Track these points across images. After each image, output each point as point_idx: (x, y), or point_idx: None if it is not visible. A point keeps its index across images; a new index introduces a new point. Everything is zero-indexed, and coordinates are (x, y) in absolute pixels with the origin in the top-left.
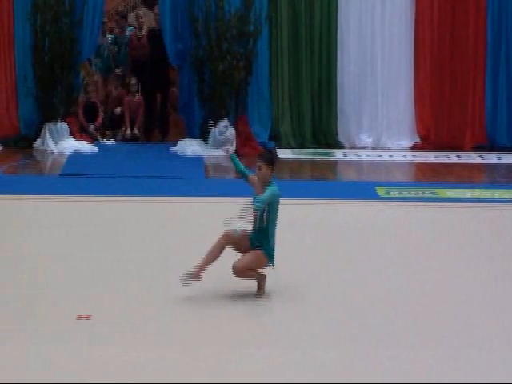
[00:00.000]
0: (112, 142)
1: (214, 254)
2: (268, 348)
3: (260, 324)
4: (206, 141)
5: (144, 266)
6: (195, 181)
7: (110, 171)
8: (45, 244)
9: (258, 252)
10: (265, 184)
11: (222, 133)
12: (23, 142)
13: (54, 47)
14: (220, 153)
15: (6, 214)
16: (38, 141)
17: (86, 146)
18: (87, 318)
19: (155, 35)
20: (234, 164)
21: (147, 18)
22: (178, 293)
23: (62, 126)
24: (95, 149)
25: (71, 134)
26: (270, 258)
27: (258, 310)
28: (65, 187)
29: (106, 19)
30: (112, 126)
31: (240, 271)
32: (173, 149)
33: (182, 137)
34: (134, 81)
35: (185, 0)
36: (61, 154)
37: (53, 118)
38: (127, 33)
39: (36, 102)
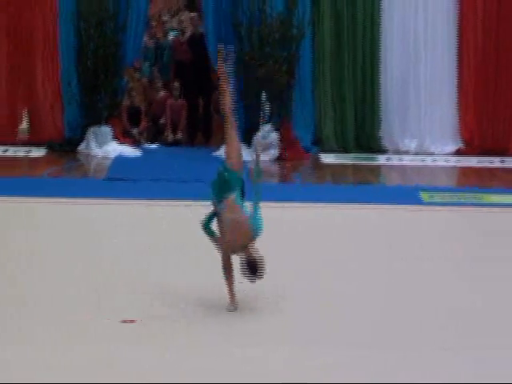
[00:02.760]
0: (155, 145)
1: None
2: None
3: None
4: (249, 145)
5: (193, 268)
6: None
7: (153, 175)
8: (94, 247)
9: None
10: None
11: (265, 137)
12: (67, 146)
13: (98, 52)
14: (264, 157)
15: (50, 217)
16: (82, 144)
17: (129, 150)
18: (132, 322)
19: (198, 39)
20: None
21: (190, 22)
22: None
23: (106, 129)
24: (138, 152)
25: (115, 137)
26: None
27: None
28: (109, 191)
29: (153, 23)
30: (156, 129)
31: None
32: (216, 153)
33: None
34: (177, 85)
35: (228, 4)
36: (105, 157)
37: (97, 121)
38: (170, 37)
39: (80, 106)
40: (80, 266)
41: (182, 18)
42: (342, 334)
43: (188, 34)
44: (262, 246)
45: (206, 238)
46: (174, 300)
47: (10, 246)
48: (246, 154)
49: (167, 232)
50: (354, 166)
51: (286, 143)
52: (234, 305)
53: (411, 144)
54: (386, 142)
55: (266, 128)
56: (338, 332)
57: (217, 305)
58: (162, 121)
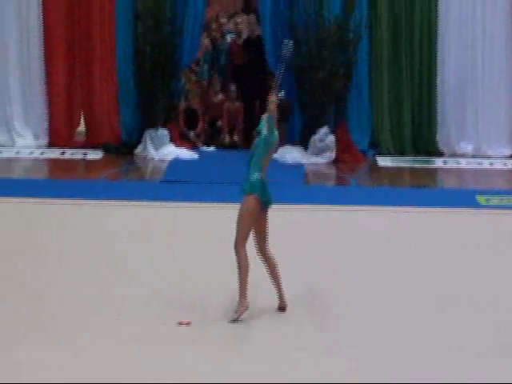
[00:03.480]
0: (212, 148)
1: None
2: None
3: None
4: (305, 148)
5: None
6: (295, 187)
7: (209, 178)
8: (151, 249)
9: (243, 202)
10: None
11: (321, 140)
12: (124, 149)
13: (155, 54)
14: (320, 160)
15: (108, 219)
16: (139, 147)
17: (186, 153)
18: (188, 324)
19: (255, 42)
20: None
21: (246, 25)
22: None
23: (163, 132)
24: (195, 155)
25: (172, 140)
26: (254, 188)
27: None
28: (166, 193)
29: (210, 26)
30: (212, 132)
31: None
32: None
33: (282, 144)
34: (233, 87)
35: (285, 7)
36: (161, 160)
37: (154, 124)
38: (227, 40)
39: (137, 109)
40: (140, 267)
41: (239, 20)
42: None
43: (244, 36)
44: (322, 249)
45: None
46: (223, 302)
47: (70, 247)
48: (302, 156)
49: (221, 234)
50: (410, 169)
51: (343, 146)
52: (244, 305)
53: (468, 147)
54: (442, 145)
55: (322, 131)
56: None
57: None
58: (218, 123)
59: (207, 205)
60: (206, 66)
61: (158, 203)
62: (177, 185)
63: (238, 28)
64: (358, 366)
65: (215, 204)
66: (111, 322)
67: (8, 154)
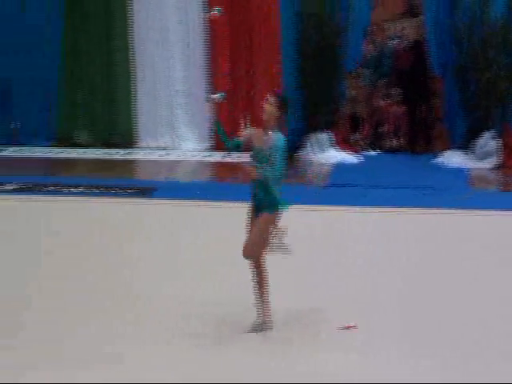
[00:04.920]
0: (376, 152)
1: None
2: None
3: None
4: (469, 152)
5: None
6: (458, 192)
7: (373, 182)
8: (313, 255)
9: (261, 218)
10: (268, 127)
11: (485, 144)
12: (288, 152)
13: (319, 58)
14: (485, 165)
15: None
16: (302, 151)
17: (349, 157)
18: (354, 327)
19: (418, 46)
20: (219, 132)
21: (411, 29)
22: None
23: (326, 136)
24: (359, 159)
25: (335, 144)
26: (276, 206)
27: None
28: (329, 197)
29: (374, 30)
30: (376, 136)
31: (250, 252)
32: (436, 159)
33: (447, 147)
34: (397, 91)
35: (449, 9)
36: (325, 163)
37: (317, 128)
38: (391, 44)
39: (301, 114)
40: (289, 272)
41: (403, 24)
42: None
43: (409, 40)
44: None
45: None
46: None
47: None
48: (466, 161)
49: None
50: None
51: (508, 151)
52: (268, 320)
53: None
54: None
55: (487, 134)
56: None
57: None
58: (382, 128)
59: (371, 209)
60: (369, 71)
61: (321, 207)
62: (340, 189)
63: (402, 32)
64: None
65: (379, 208)
66: None
67: (172, 156)
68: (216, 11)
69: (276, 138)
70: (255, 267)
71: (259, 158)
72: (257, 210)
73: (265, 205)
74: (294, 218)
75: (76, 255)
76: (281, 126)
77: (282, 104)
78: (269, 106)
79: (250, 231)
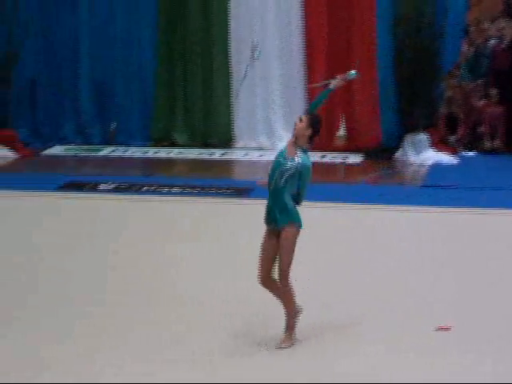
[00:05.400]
0: (473, 153)
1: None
2: None
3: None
4: None
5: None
6: None
7: (470, 183)
8: (406, 257)
9: (286, 233)
10: (298, 142)
11: None
12: (384, 153)
13: (416, 60)
14: None
15: (366, 223)
16: (399, 152)
17: (446, 158)
18: (447, 329)
19: None
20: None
21: (510, 29)
22: None
23: (423, 137)
24: (456, 160)
25: (432, 145)
26: (298, 220)
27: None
28: (425, 198)
29: (472, 30)
30: (473, 137)
31: (285, 276)
32: None
33: None
34: (495, 92)
35: None
36: (421, 165)
37: (414, 129)
38: (489, 44)
39: (397, 114)
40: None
41: (502, 25)
42: None
43: (507, 40)
44: None
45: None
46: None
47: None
48: None
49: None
50: None
51: None
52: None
53: None
54: None
55: None
56: None
57: None
58: (480, 129)
59: (468, 210)
60: (466, 71)
61: (417, 208)
62: (437, 190)
63: (501, 32)
64: None
65: (477, 209)
66: None
67: (269, 157)
68: (353, 75)
69: (303, 158)
70: (284, 286)
71: (278, 170)
72: (272, 228)
73: (282, 222)
74: (391, 219)
75: (172, 254)
76: (311, 144)
77: (315, 123)
78: (300, 125)
79: (266, 252)
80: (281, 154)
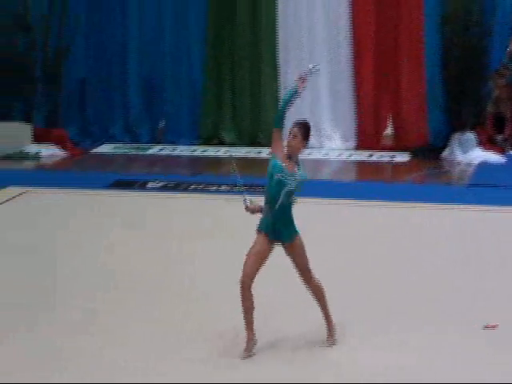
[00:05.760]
0: None
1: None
2: None
3: None
4: None
5: None
6: None
7: None
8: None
9: (297, 242)
10: (292, 157)
11: None
12: (431, 153)
13: (463, 58)
14: None
15: (413, 221)
16: (446, 151)
17: (493, 157)
18: (494, 327)
19: None
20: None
21: None
22: None
23: (471, 136)
24: (503, 160)
25: (479, 144)
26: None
27: None
28: (472, 197)
29: None
30: None
31: (310, 276)
32: None
33: None
34: None
35: None
36: (468, 164)
37: (461, 128)
38: None
39: (445, 113)
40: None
41: None
42: None
43: None
44: None
45: None
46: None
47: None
48: None
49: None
50: None
51: None
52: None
53: None
54: None
55: None
56: None
57: None
58: None
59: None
60: None
61: (466, 206)
62: (484, 189)
63: None
64: None
65: None
66: None
67: (317, 155)
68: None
69: (302, 174)
70: (309, 284)
71: (284, 191)
72: (273, 240)
73: (289, 237)
74: (437, 217)
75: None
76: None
77: (307, 133)
78: (295, 141)
79: (260, 255)
80: (279, 170)
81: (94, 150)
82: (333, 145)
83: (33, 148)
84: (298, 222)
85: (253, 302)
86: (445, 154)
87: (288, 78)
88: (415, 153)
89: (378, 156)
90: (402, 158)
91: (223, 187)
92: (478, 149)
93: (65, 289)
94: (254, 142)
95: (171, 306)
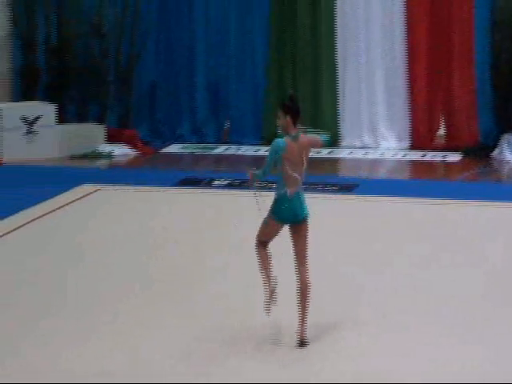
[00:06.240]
0: None
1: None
2: None
3: None
4: None
5: None
6: None
7: None
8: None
9: (306, 226)
10: (292, 135)
11: None
12: (482, 152)
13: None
14: None
15: (466, 218)
16: (496, 150)
17: None
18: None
19: None
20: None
21: None
22: None
23: None
24: None
25: None
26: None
27: None
28: None
29: None
30: None
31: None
32: None
33: None
34: None
35: None
36: None
37: (511, 128)
38: None
39: (495, 114)
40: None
41: None
42: None
43: None
44: None
45: None
46: None
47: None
48: None
49: None
50: None
51: None
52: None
53: None
54: None
55: None
56: None
57: None
58: None
59: None
60: None
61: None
62: None
63: None
64: None
65: None
66: None
67: (373, 155)
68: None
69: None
70: (300, 268)
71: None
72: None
73: (304, 214)
74: (488, 214)
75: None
76: (300, 125)
77: (288, 108)
78: (280, 122)
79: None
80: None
81: (164, 150)
82: (388, 144)
83: (106, 147)
84: (360, 220)
85: (267, 253)
86: (495, 153)
87: (346, 78)
88: (466, 152)
89: (431, 156)
90: (454, 157)
91: None
92: None
93: None
94: None
95: None
